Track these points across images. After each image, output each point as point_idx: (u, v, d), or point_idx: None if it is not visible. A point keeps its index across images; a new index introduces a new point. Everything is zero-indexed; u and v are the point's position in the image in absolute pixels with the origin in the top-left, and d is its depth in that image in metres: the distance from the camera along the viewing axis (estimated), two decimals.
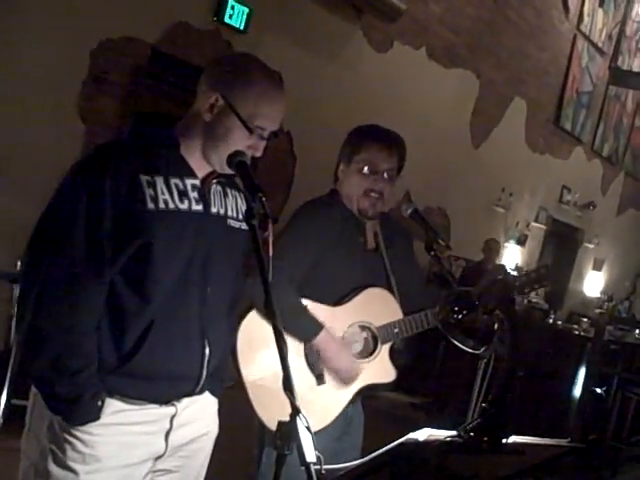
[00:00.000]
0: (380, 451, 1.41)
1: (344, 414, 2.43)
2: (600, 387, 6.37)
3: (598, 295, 13.00)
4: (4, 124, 4.65)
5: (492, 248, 8.07)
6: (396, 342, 2.46)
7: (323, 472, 1.37)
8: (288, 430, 1.37)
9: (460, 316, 2.17)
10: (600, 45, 11.24)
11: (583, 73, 11.07)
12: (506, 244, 10.11)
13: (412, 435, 1.39)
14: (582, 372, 5.66)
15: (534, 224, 10.76)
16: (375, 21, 7.00)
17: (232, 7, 5.64)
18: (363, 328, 2.44)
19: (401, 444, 1.37)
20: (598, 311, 10.84)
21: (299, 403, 1.38)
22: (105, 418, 1.71)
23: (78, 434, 1.69)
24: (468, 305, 2.16)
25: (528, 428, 5.81)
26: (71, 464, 1.69)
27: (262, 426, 2.31)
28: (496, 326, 2.09)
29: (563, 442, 1.65)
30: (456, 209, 8.73)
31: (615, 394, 6.60)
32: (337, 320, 2.39)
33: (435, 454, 1.44)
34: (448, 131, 8.40)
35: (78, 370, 1.66)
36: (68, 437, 1.69)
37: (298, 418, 1.37)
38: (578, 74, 10.90)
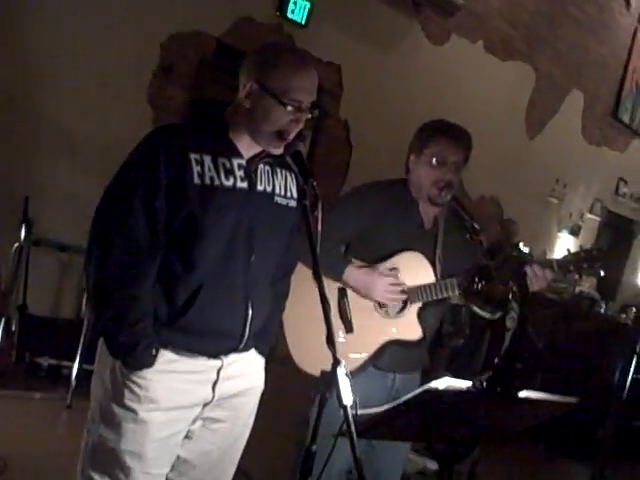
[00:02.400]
0: (406, 397, 1.68)
1: (386, 383, 2.66)
2: None
3: None
4: (82, 110, 5.02)
5: (509, 229, 8.17)
6: (445, 324, 2.70)
7: (358, 414, 1.64)
8: (330, 377, 1.65)
9: (479, 286, 2.42)
10: None
11: None
12: (559, 234, 10.19)
13: (434, 383, 1.66)
14: (630, 361, 5.78)
15: (588, 215, 10.80)
16: (433, 15, 7.19)
17: (294, 2, 5.91)
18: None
19: (425, 391, 1.64)
20: None
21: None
22: (159, 366, 1.96)
23: (135, 378, 1.95)
24: (486, 277, 2.41)
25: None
26: (129, 404, 1.95)
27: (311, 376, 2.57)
28: (510, 296, 2.33)
29: (572, 399, 1.88)
30: (509, 199, 8.86)
31: None
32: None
33: (453, 401, 1.70)
34: (503, 122, 8.55)
35: (136, 322, 1.92)
36: (127, 381, 1.96)
37: (338, 368, 1.64)
38: (638, 67, 10.88)
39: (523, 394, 1.78)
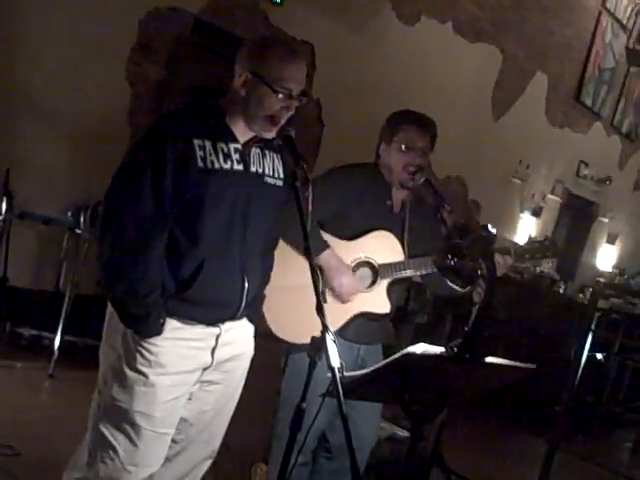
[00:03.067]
0: (387, 360, 1.87)
1: (353, 353, 2.85)
2: (600, 353, 6.80)
3: (610, 269, 13.35)
4: (62, 85, 5.11)
5: (472, 209, 8.42)
6: (411, 302, 2.90)
7: (345, 376, 1.82)
8: (319, 342, 1.84)
9: (452, 262, 2.63)
10: (624, 22, 11.45)
11: (606, 49, 11.31)
12: (521, 215, 10.47)
13: (411, 348, 1.85)
14: (585, 338, 6.04)
15: (550, 196, 11.09)
16: None
17: None
18: (367, 263, 2.87)
19: (404, 355, 1.83)
20: (598, 279, 11.18)
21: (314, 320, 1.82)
22: (166, 334, 2.15)
23: (146, 345, 2.13)
24: (458, 254, 2.62)
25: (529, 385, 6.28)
26: (141, 368, 2.14)
27: (286, 343, 2.80)
28: (479, 272, 2.54)
29: (532, 366, 2.09)
30: (474, 178, 9.09)
31: (614, 360, 7.06)
32: (346, 251, 2.82)
33: (428, 364, 1.90)
34: (470, 103, 8.76)
35: (146, 294, 2.09)
36: (138, 347, 2.14)
37: (327, 334, 1.83)
38: (601, 50, 11.15)
39: (489, 360, 1.99)
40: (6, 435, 3.41)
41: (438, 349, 1.91)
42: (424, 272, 2.79)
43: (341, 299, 2.78)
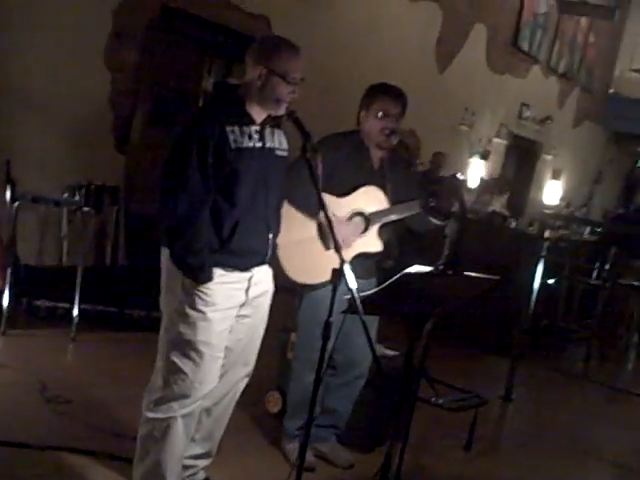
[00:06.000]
0: (391, 280, 2.47)
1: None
2: (551, 278, 7.48)
3: (557, 203, 14.17)
4: (50, 77, 5.57)
5: (438, 160, 9.05)
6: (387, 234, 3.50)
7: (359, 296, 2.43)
8: (339, 272, 2.44)
9: (432, 203, 3.26)
10: None
11: None
12: (470, 159, 11.17)
13: (408, 270, 2.45)
14: (537, 267, 6.67)
15: (496, 140, 11.80)
16: None
17: None
18: (359, 213, 3.48)
19: (403, 274, 2.44)
20: (544, 211, 11.93)
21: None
22: (215, 279, 2.71)
23: (202, 289, 2.70)
24: (436, 197, 3.25)
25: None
26: (200, 307, 2.71)
27: (300, 285, 3.42)
28: (453, 209, 3.17)
29: (496, 277, 2.72)
30: (425, 130, 9.68)
31: (564, 284, 7.79)
32: (342, 206, 3.41)
33: (422, 279, 2.53)
34: (416, 60, 9.37)
35: (200, 249, 2.66)
36: (196, 292, 2.70)
37: (344, 265, 2.44)
38: None
39: (466, 273, 2.62)
40: (52, 389, 3.97)
41: (428, 268, 2.54)
42: (411, 213, 3.41)
43: (343, 244, 3.37)
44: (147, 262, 5.93)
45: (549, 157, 13.67)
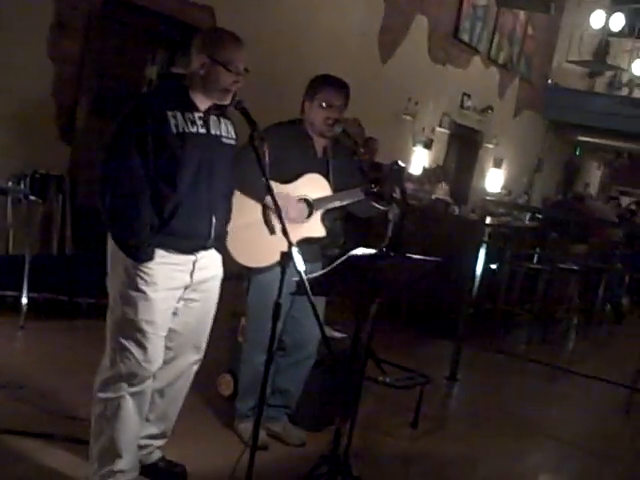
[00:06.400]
0: (337, 261, 2.57)
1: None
2: (493, 263, 7.70)
3: (498, 190, 14.49)
4: None
5: (371, 146, 9.17)
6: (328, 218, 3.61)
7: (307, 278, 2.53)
8: (287, 254, 2.53)
9: (375, 189, 3.36)
10: None
11: None
12: (414, 148, 11.35)
13: (353, 252, 2.56)
14: (479, 252, 6.86)
15: (438, 129, 12.00)
16: None
17: None
18: (303, 200, 3.56)
19: (349, 256, 2.54)
20: (485, 198, 12.23)
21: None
22: (156, 259, 2.77)
23: (143, 269, 2.76)
24: (378, 183, 3.35)
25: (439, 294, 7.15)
26: (141, 286, 2.77)
27: (248, 268, 3.52)
28: (394, 195, 3.28)
29: (438, 259, 2.85)
30: (369, 119, 9.80)
31: (506, 268, 8.01)
32: (286, 192, 3.46)
33: (367, 260, 2.63)
34: (358, 49, 9.48)
35: (140, 230, 2.72)
36: (138, 272, 2.76)
37: (293, 248, 2.53)
38: None
39: (408, 255, 2.74)
40: (4, 375, 3.99)
41: (372, 250, 2.65)
42: (354, 200, 3.51)
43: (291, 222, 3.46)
44: (94, 251, 5.98)
45: (490, 146, 13.95)
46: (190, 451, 3.43)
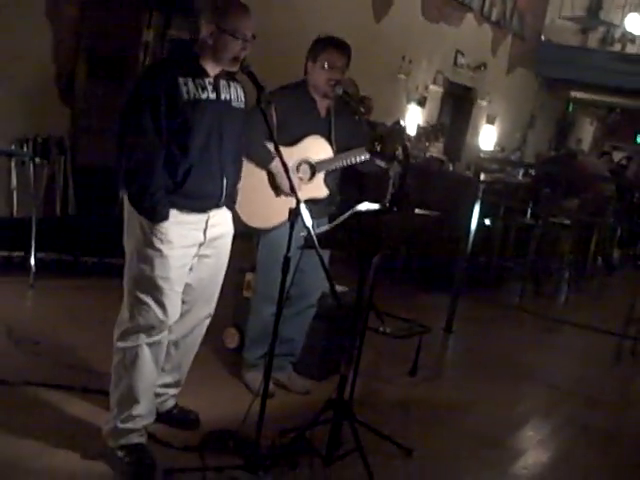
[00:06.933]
0: (343, 216, 2.72)
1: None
2: (487, 219, 7.85)
3: (492, 147, 14.59)
4: None
5: (366, 105, 9.23)
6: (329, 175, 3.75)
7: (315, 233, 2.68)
8: (295, 211, 2.68)
9: (378, 148, 3.50)
10: None
11: None
12: (408, 106, 11.43)
13: (358, 207, 2.71)
14: (474, 208, 6.99)
15: (432, 87, 12.06)
16: None
17: None
18: (306, 161, 3.70)
19: (354, 212, 2.69)
20: (479, 155, 12.35)
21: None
22: (170, 219, 2.91)
23: (158, 228, 2.89)
24: (381, 142, 3.48)
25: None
26: (157, 245, 2.91)
27: (256, 229, 3.67)
28: (396, 153, 3.42)
29: (438, 213, 3.00)
30: (363, 78, 9.82)
31: (500, 223, 8.17)
32: (289, 154, 3.57)
33: (371, 215, 2.78)
34: (353, 10, 9.52)
35: (155, 191, 2.85)
36: (153, 231, 2.90)
37: (301, 204, 2.68)
38: None
39: (413, 210, 2.90)
40: (18, 332, 4.16)
41: (376, 205, 2.80)
42: (358, 159, 3.65)
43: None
44: (96, 211, 6.12)
45: (484, 103, 14.01)
46: (201, 399, 3.62)
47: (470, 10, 12.54)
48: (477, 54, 13.10)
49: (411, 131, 11.03)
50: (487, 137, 14.52)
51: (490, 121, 14.51)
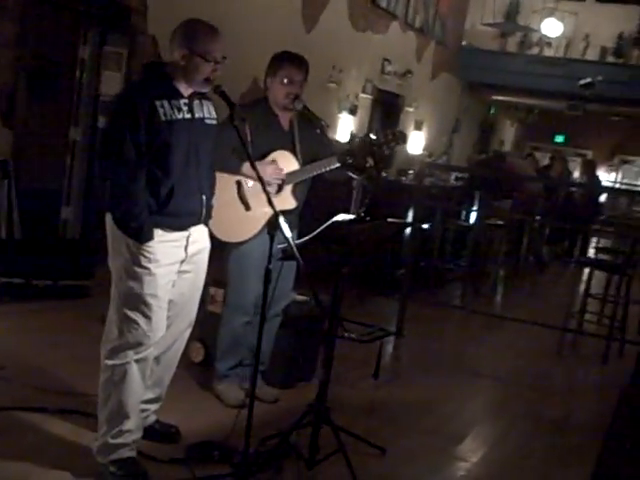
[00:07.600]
0: (321, 228, 2.85)
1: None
2: (425, 223, 8.08)
3: (420, 152, 14.93)
4: None
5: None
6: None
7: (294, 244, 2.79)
8: (275, 223, 2.79)
9: (350, 160, 3.64)
10: None
11: None
12: (340, 115, 11.63)
13: (335, 218, 2.84)
14: (411, 213, 7.20)
15: (362, 95, 12.28)
16: None
17: None
18: None
19: (332, 222, 2.82)
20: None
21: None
22: (155, 238, 3.00)
23: (145, 247, 2.98)
24: (352, 155, 3.63)
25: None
26: (144, 264, 3.00)
27: (224, 243, 3.75)
28: (367, 165, 3.56)
29: (404, 221, 3.15)
30: None
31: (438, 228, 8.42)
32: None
33: (346, 225, 2.92)
34: (283, 21, 9.65)
35: (139, 213, 2.94)
36: (140, 250, 2.99)
37: (280, 217, 2.79)
38: None
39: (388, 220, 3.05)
40: None
41: (351, 216, 2.94)
42: (326, 169, 3.77)
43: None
44: (42, 234, 6.08)
45: (411, 109, 14.32)
46: (177, 413, 3.68)
47: (395, 18, 12.82)
48: (403, 61, 13.39)
49: (343, 139, 11.24)
50: (415, 142, 14.84)
51: (418, 127, 14.84)
